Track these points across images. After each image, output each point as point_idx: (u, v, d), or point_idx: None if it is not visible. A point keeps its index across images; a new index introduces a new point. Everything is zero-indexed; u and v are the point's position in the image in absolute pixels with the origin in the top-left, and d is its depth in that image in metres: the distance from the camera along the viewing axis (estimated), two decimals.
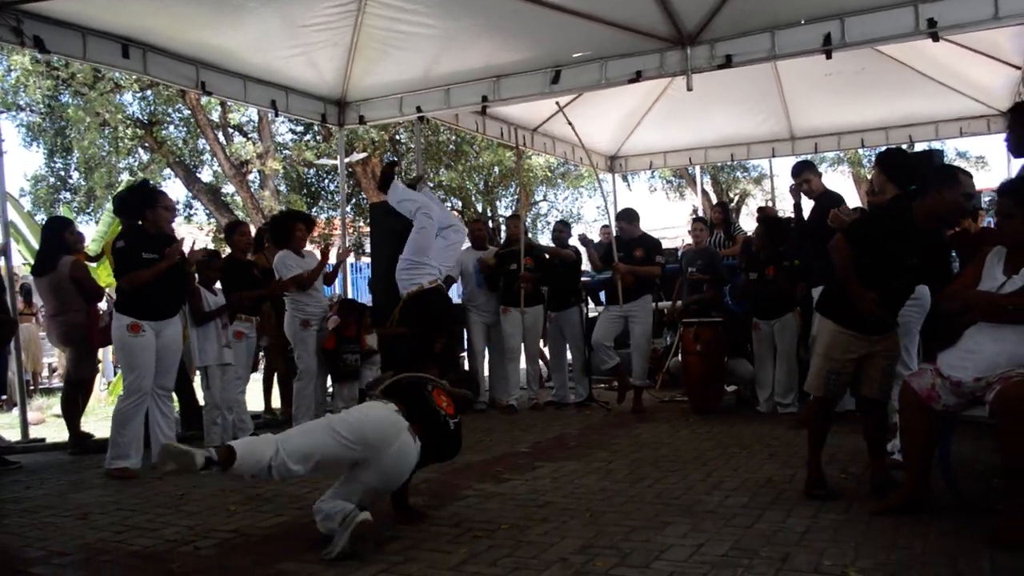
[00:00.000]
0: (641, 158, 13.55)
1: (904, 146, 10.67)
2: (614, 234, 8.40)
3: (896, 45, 8.45)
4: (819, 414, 4.53)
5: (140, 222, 5.91)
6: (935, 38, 7.16)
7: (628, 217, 8.28)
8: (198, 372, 6.80)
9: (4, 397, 9.48)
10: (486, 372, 8.87)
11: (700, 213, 17.49)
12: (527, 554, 3.53)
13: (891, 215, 4.39)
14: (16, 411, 7.97)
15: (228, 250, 7.42)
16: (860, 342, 4.25)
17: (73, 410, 6.89)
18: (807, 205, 7.21)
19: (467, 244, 9.01)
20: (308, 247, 7.77)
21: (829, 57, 7.53)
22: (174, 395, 7.25)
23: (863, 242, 4.24)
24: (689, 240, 14.88)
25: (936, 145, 11.94)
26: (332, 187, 20.75)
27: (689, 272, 8.61)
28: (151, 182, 10.09)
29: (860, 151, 18.92)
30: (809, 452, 4.46)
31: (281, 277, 7.04)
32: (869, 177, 20.72)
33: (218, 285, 6.82)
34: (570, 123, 9.09)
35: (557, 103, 9.36)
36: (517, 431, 7.08)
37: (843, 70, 9.32)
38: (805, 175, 7.00)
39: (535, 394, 8.72)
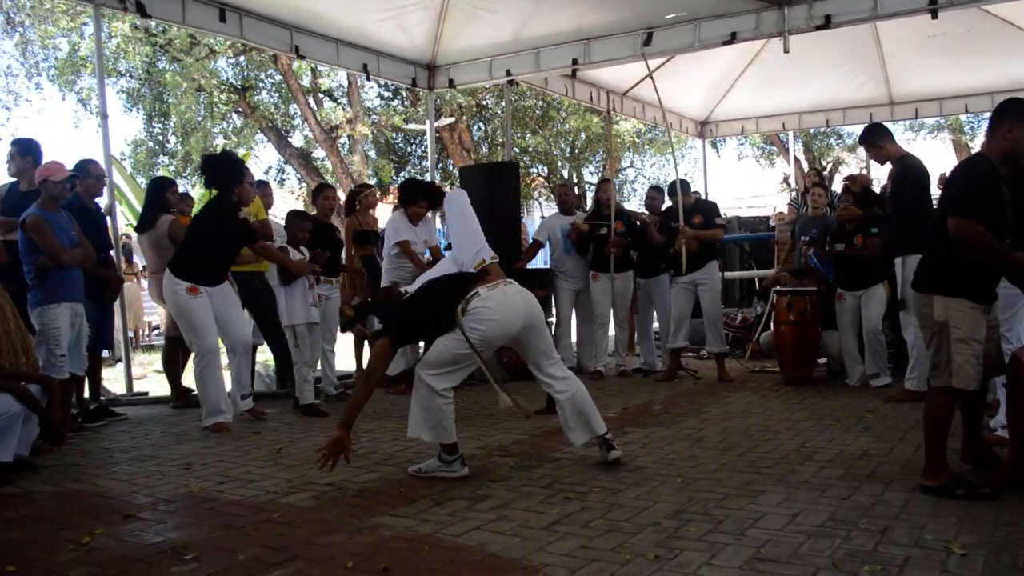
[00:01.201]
0: (732, 123, 13.31)
1: None
2: (680, 203, 8.13)
3: (1006, 4, 8.07)
4: (952, 407, 3.94)
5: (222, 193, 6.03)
6: None
7: (681, 189, 8.11)
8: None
9: (106, 354, 9.86)
10: (573, 338, 8.86)
11: (792, 181, 17.12)
12: (619, 517, 3.54)
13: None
14: (121, 366, 8.29)
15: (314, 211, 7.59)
16: (986, 315, 3.94)
17: (173, 365, 7.13)
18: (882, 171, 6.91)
19: (552, 210, 9.01)
20: None
21: (935, 17, 7.25)
22: (269, 352, 7.49)
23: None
24: (781, 208, 14.61)
25: None
26: (420, 152, 20.89)
27: (802, 240, 8.39)
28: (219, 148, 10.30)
29: (962, 118, 18.21)
30: (937, 449, 3.86)
31: (388, 238, 7.29)
32: (972, 145, 19.96)
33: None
34: (656, 91, 8.91)
35: (647, 66, 9.16)
36: (605, 397, 7.06)
37: (948, 31, 8.96)
38: (864, 146, 6.59)
39: (623, 361, 8.68)
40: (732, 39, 8.14)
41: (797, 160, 19.64)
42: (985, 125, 4.08)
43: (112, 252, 6.80)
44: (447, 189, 15.95)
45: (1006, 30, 9.28)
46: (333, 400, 7.18)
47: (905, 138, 23.44)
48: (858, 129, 17.60)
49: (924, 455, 3.91)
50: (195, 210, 8.10)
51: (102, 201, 6.83)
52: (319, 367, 7.30)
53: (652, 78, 8.97)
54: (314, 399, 6.62)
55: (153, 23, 11.50)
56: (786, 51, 7.84)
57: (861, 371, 7.25)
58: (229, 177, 5.95)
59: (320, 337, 6.90)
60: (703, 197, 9.40)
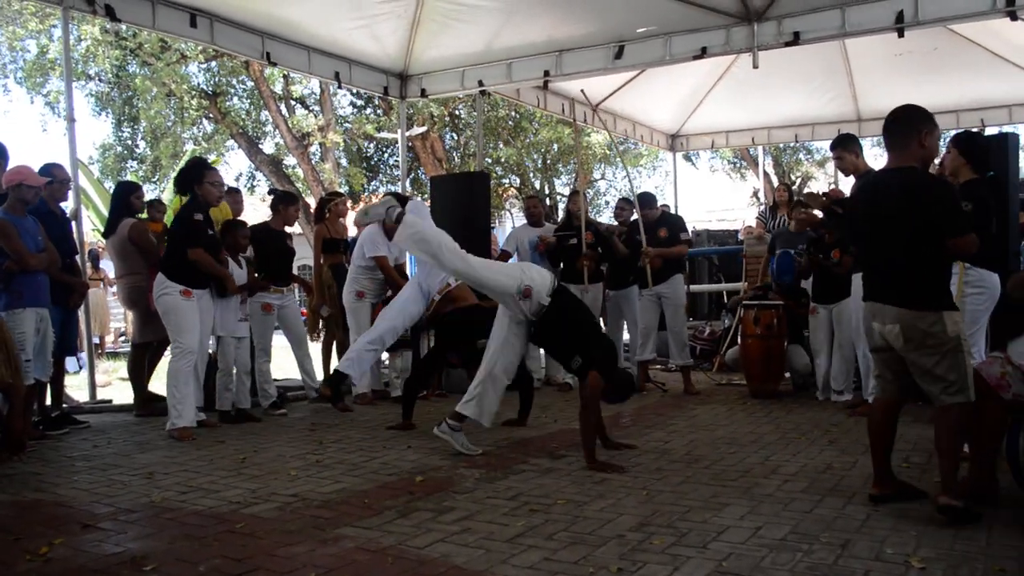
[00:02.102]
0: (703, 137, 13.42)
1: (975, 130, 10.39)
2: (640, 218, 8.15)
3: (971, 24, 8.22)
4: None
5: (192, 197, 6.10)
6: (1013, 17, 6.96)
7: (646, 203, 8.17)
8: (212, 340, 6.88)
9: (74, 367, 9.73)
10: (542, 350, 8.85)
11: (761, 195, 17.28)
12: (584, 529, 3.54)
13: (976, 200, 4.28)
14: (84, 373, 8.18)
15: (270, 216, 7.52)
16: None
17: (139, 372, 7.03)
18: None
19: (523, 220, 9.05)
20: None
21: (901, 35, 7.36)
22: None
23: None
24: (750, 223, 14.73)
25: (1008, 129, 11.61)
26: (391, 161, 20.87)
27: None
28: (203, 157, 10.28)
29: None
30: (955, 467, 3.74)
31: (365, 252, 7.26)
32: (937, 161, 20.24)
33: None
34: (604, 126, 9.03)
35: (588, 100, 9.28)
36: (572, 409, 7.03)
37: (914, 50, 9.13)
38: (838, 151, 6.47)
39: None
40: (702, 54, 8.21)
41: (767, 174, 19.82)
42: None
43: (77, 257, 6.71)
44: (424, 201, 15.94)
45: (971, 49, 9.45)
46: (316, 401, 7.21)
47: (873, 154, 23.65)
48: (827, 144, 17.82)
49: (941, 475, 3.75)
50: (168, 215, 8.05)
51: (68, 206, 6.76)
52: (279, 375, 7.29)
53: (599, 114, 9.11)
54: (229, 407, 6.64)
55: (123, 27, 11.40)
56: (755, 67, 7.93)
57: (827, 384, 7.31)
58: (188, 180, 6.10)
59: (246, 348, 6.85)
60: (671, 211, 9.46)
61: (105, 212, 10.29)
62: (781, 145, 20.31)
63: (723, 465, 4.81)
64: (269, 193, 8.06)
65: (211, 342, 6.76)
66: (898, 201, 3.76)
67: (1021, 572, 3.02)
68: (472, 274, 5.19)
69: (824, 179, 23.97)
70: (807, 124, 12.36)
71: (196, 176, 6.08)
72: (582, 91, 9.23)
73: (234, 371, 6.64)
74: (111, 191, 10.22)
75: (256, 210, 24.53)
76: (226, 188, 6.90)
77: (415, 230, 5.25)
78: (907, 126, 3.85)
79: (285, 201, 7.53)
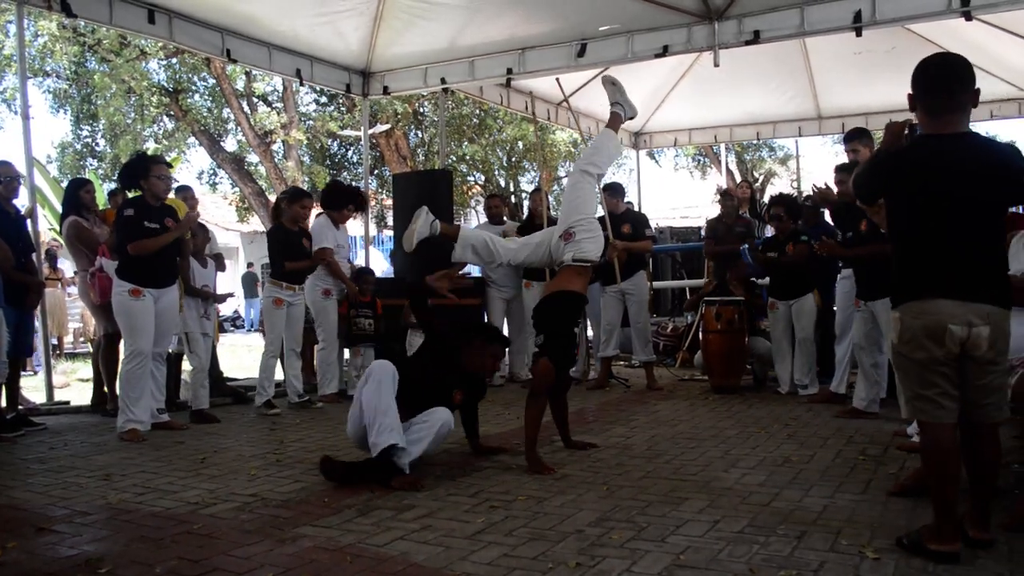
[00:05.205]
0: (666, 135, 13.46)
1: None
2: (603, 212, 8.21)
3: (927, 23, 8.33)
4: None
5: (140, 192, 6.00)
6: (968, 17, 7.08)
7: (612, 191, 8.19)
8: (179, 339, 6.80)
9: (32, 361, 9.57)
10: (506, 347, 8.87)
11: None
12: (544, 525, 3.55)
13: None
14: (42, 374, 8.05)
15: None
16: None
17: (110, 363, 6.87)
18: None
19: (484, 219, 9.05)
20: None
21: (859, 35, 7.46)
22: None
23: None
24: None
25: None
26: (355, 158, 20.77)
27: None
28: (150, 152, 10.20)
29: None
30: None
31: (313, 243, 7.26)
32: None
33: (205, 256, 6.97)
34: (574, 116, 9.05)
35: (563, 91, 9.32)
36: None
37: (872, 48, 9.23)
38: (854, 143, 6.55)
39: None
40: (664, 52, 8.25)
41: (730, 172, 19.98)
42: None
43: (34, 256, 6.61)
44: (388, 198, 15.82)
45: (927, 48, 9.48)
46: (296, 407, 7.13)
47: (834, 151, 24.06)
48: (788, 142, 17.97)
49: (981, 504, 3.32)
50: None
51: (22, 204, 6.66)
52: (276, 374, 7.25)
53: (569, 104, 9.16)
54: (206, 405, 6.61)
55: (81, 23, 11.25)
56: (716, 65, 7.99)
57: (790, 378, 7.39)
58: (134, 174, 6.00)
59: (210, 347, 6.91)
60: (635, 209, 9.51)
61: (60, 210, 10.15)
62: (744, 143, 20.48)
63: (683, 460, 4.85)
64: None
65: (172, 341, 6.68)
66: (990, 175, 3.18)
67: (972, 560, 3.07)
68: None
69: (787, 176, 24.22)
70: (768, 122, 12.45)
71: (141, 170, 5.96)
72: (557, 79, 9.17)
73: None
74: None
75: (218, 208, 24.33)
76: (173, 181, 6.73)
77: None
78: (971, 81, 3.28)
79: (290, 198, 7.34)
